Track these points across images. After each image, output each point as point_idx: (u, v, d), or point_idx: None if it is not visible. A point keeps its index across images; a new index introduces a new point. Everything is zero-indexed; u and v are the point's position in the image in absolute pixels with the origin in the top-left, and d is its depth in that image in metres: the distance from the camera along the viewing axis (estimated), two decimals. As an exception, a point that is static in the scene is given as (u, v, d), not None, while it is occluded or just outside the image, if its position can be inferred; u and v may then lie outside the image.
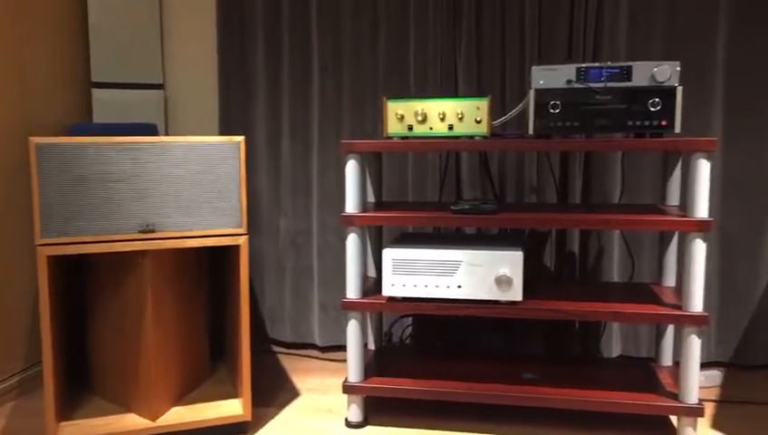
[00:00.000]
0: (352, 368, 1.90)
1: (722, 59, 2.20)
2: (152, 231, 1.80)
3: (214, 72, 2.51)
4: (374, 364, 2.06)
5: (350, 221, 1.84)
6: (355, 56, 2.41)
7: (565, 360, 2.10)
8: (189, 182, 1.81)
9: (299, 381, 2.29)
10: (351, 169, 1.84)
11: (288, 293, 2.55)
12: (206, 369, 2.15)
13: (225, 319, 2.20)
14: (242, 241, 1.85)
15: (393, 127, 1.88)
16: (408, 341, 2.42)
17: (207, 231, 1.83)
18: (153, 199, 1.79)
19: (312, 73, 2.45)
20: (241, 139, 1.83)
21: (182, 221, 1.82)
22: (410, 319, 2.41)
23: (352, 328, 1.89)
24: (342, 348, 2.53)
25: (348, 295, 1.88)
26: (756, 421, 1.94)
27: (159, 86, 2.50)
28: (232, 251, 1.94)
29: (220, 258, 2.15)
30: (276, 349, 2.58)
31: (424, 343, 2.43)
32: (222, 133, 2.50)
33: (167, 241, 1.79)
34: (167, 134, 2.51)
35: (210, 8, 2.50)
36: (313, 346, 2.57)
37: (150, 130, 2.15)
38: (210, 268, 2.18)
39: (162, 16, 2.53)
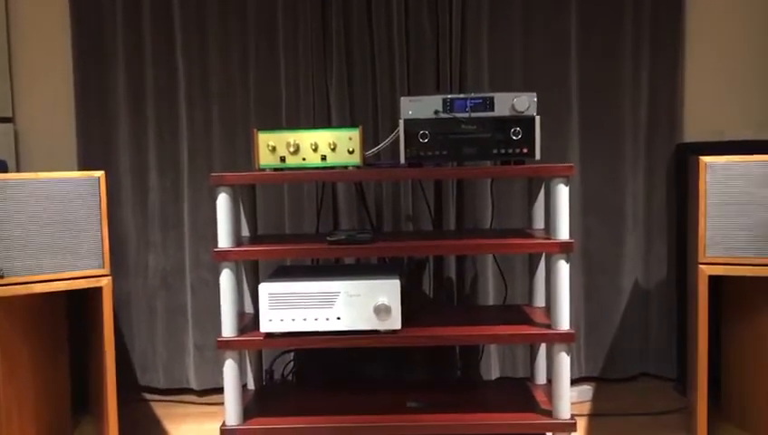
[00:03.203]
0: (230, 410, 1.82)
1: (575, 91, 2.36)
2: (0, 277, 1.64)
3: (70, 105, 2.37)
4: (254, 405, 1.98)
5: (223, 256, 1.77)
6: (224, 89, 2.36)
7: (447, 385, 2.12)
8: (43, 221, 1.68)
9: (174, 429, 2.16)
10: (223, 202, 1.78)
11: (160, 335, 2.41)
12: (67, 424, 1.97)
13: (90, 368, 2.04)
14: (104, 283, 1.73)
15: (265, 159, 1.85)
16: (290, 377, 2.35)
17: (65, 274, 1.70)
18: (1, 242, 1.64)
19: (180, 105, 2.36)
20: (100, 174, 1.73)
21: (35, 264, 1.68)
22: (292, 354, 2.35)
23: (229, 368, 1.81)
24: (221, 390, 2.41)
25: (223, 334, 1.80)
26: (626, 432, 2.05)
27: (8, 119, 2.32)
28: (95, 294, 1.80)
29: (84, 301, 1.99)
30: (149, 397, 2.42)
31: (307, 379, 2.37)
32: (82, 169, 2.34)
33: (16, 287, 1.63)
34: (18, 171, 2.32)
35: (66, 39, 2.36)
36: (190, 391, 2.43)
37: (-2, 166, 1.99)
38: (75, 312, 2.02)
39: (11, 47, 2.36)
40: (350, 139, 1.83)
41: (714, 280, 1.81)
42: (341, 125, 2.32)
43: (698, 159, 1.77)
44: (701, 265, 1.76)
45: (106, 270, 1.76)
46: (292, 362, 2.35)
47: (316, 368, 2.37)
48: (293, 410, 1.92)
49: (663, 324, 2.41)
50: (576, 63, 2.35)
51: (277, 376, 2.32)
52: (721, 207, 1.75)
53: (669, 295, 2.40)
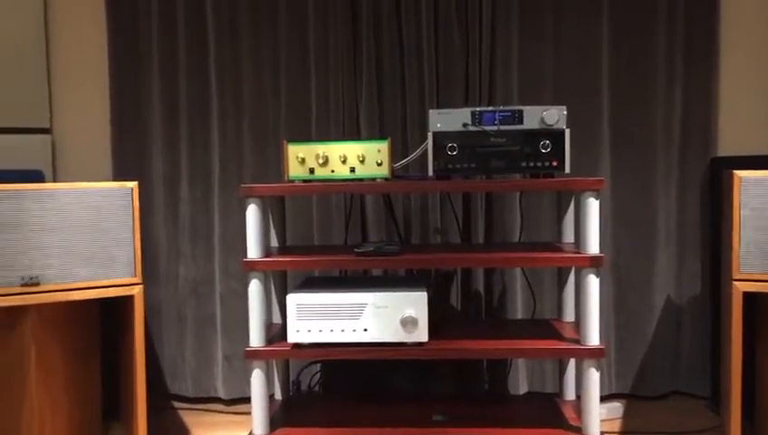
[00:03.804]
0: (257, 420, 1.83)
1: (606, 104, 2.34)
2: (36, 284, 1.68)
3: (106, 116, 2.42)
4: (281, 415, 1.99)
5: (252, 266, 1.79)
6: (256, 101, 2.39)
7: (474, 399, 2.11)
8: (78, 231, 1.71)
9: (202, 437, 2.18)
10: (252, 213, 1.80)
11: (189, 344, 2.43)
12: (98, 429, 2.00)
13: (120, 375, 2.07)
14: (136, 291, 1.76)
15: (294, 170, 1.87)
16: (317, 388, 2.36)
17: (98, 282, 1.73)
18: (38, 250, 1.68)
19: (212, 117, 2.40)
20: (134, 184, 1.76)
21: (70, 272, 1.71)
22: (319, 365, 2.36)
23: (256, 378, 1.82)
24: (249, 400, 2.42)
25: (251, 344, 1.81)
26: (655, 449, 2.01)
27: (46, 130, 2.38)
28: (126, 302, 1.84)
29: (116, 309, 2.03)
30: (177, 405, 2.45)
31: (333, 390, 2.37)
32: (116, 179, 2.39)
33: (52, 294, 1.67)
34: (54, 181, 2.38)
35: (102, 52, 2.42)
36: (218, 400, 2.45)
37: (36, 176, 2.04)
38: (107, 319, 2.06)
39: (50, 58, 2.42)
40: (379, 151, 1.84)
41: (748, 297, 1.77)
42: (370, 137, 2.33)
43: (732, 174, 1.74)
44: (735, 282, 1.73)
45: (138, 279, 1.79)
46: (318, 373, 2.36)
47: (343, 379, 2.37)
48: (320, 420, 1.93)
49: (696, 342, 2.36)
50: (607, 76, 2.33)
51: (304, 387, 2.33)
52: (755, 222, 1.71)
53: (703, 312, 2.35)
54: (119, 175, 2.40)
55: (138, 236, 1.78)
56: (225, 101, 2.39)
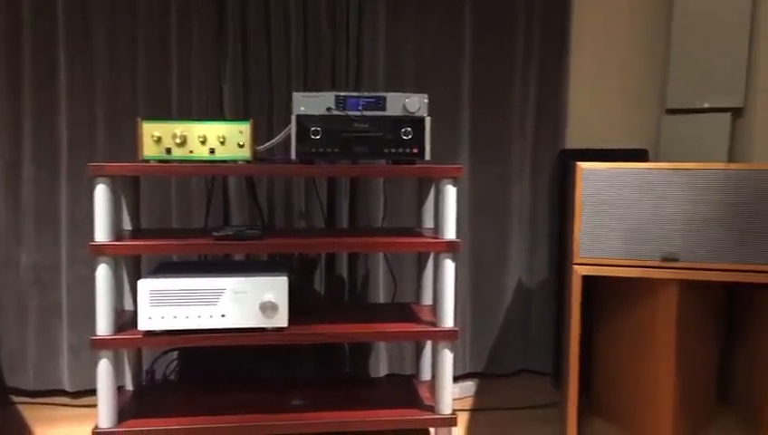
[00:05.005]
0: (103, 412, 1.73)
1: (467, 95, 2.42)
2: None
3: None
4: (131, 406, 1.89)
5: (99, 251, 1.69)
6: (111, 80, 2.25)
7: (335, 383, 2.12)
8: None
9: (42, 432, 2.03)
10: (101, 193, 1.70)
11: (31, 335, 2.26)
12: None
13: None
14: (-36, 277, 1.60)
15: (149, 150, 1.77)
16: (173, 377, 2.27)
17: None
18: None
19: (60, 94, 2.23)
20: (-38, 159, 1.59)
21: None
22: (176, 353, 2.27)
23: (103, 368, 1.72)
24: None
25: (98, 332, 1.71)
26: (504, 425, 2.13)
27: None
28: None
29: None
30: (17, 399, 2.27)
31: (190, 378, 2.30)
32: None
33: None
34: None
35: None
36: (63, 393, 2.30)
37: None
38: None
39: None
40: (241, 132, 1.79)
41: (590, 281, 1.90)
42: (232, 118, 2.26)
43: (575, 165, 1.86)
44: (575, 266, 1.86)
45: (-33, 263, 1.62)
46: (175, 362, 2.27)
47: (201, 367, 2.31)
48: (172, 410, 1.85)
49: (543, 323, 2.52)
50: (469, 68, 2.42)
51: (159, 376, 2.24)
52: (594, 209, 1.85)
53: (550, 295, 2.51)
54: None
55: (-33, 216, 1.62)
56: (75, 76, 2.23)
